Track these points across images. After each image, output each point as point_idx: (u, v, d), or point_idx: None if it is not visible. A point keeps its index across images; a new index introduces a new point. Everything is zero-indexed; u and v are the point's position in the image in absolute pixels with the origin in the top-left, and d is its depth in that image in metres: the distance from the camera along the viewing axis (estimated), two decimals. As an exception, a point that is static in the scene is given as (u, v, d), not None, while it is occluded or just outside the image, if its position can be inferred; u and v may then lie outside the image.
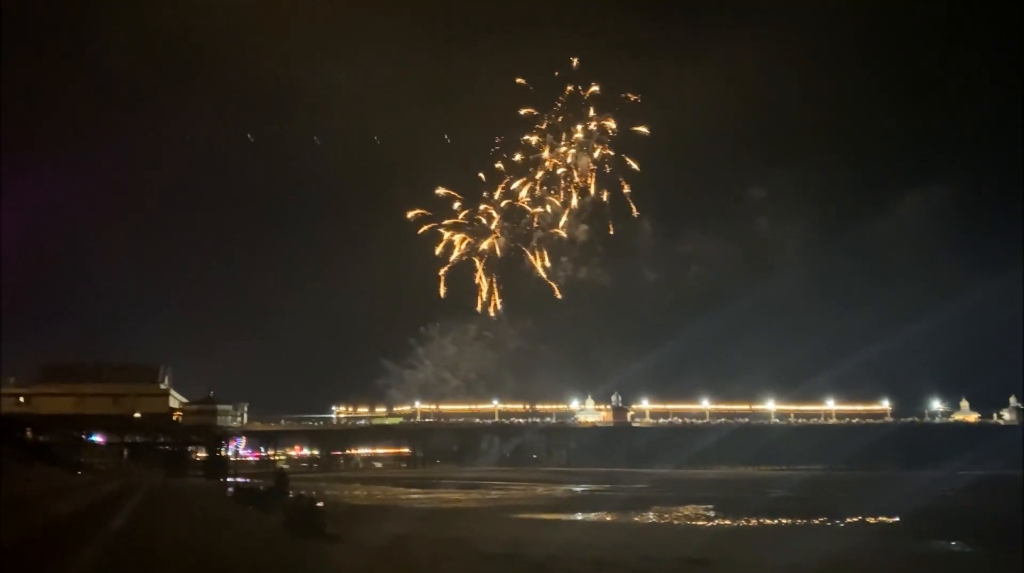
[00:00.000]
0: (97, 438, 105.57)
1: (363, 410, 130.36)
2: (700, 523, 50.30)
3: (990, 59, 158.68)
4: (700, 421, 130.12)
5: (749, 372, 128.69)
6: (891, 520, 51.70)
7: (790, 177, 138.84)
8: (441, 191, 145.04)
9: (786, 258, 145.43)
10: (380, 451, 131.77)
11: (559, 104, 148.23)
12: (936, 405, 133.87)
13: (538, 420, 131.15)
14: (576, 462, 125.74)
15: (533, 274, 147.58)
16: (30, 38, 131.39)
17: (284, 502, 37.93)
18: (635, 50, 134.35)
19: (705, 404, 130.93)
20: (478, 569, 27.73)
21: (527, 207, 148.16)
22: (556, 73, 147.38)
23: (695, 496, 70.65)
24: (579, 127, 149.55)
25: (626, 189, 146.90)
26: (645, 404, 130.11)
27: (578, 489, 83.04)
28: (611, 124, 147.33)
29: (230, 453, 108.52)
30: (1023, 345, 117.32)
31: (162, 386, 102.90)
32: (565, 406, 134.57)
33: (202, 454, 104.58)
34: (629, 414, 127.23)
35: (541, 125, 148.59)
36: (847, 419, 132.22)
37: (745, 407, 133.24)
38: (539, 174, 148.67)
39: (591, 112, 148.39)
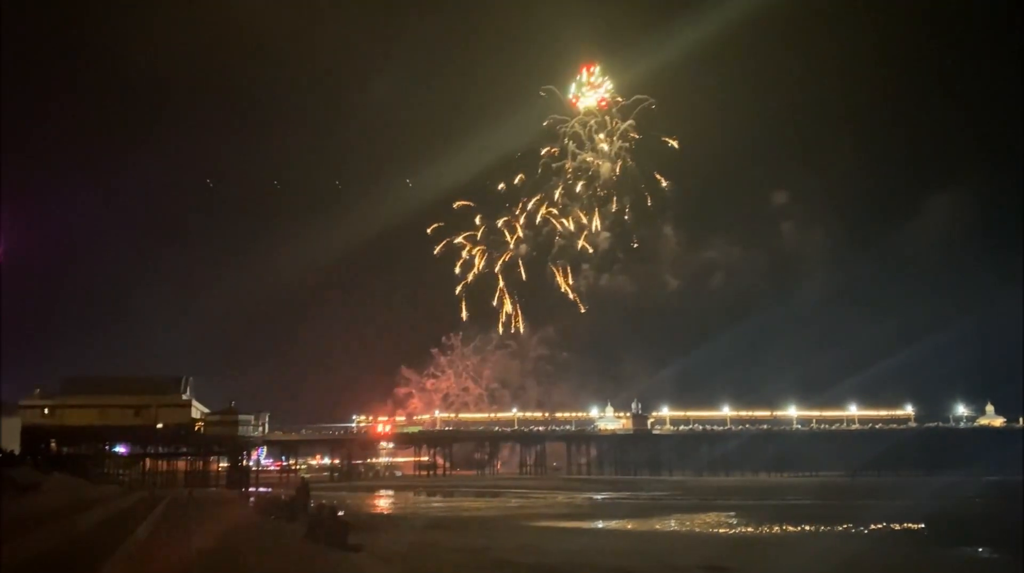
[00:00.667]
0: (120, 449, 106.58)
1: (383, 419, 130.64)
2: (722, 530, 49.96)
3: (1021, 64, 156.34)
4: (721, 427, 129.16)
5: (773, 381, 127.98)
6: (916, 526, 51.16)
7: (815, 184, 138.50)
8: (459, 204, 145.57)
9: (810, 265, 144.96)
10: (401, 460, 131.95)
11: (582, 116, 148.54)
12: (961, 410, 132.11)
13: (557, 428, 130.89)
14: (596, 470, 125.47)
15: (556, 287, 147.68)
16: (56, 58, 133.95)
17: (306, 512, 38.13)
18: (658, 56, 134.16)
19: (726, 411, 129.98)
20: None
21: (551, 218, 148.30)
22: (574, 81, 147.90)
23: (716, 503, 70.35)
24: (602, 136, 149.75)
25: (648, 202, 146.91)
26: (665, 411, 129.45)
27: (599, 496, 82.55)
28: (634, 135, 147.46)
29: (252, 463, 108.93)
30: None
31: (184, 397, 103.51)
32: (585, 414, 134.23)
33: (224, 464, 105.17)
34: (649, 421, 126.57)
35: (563, 136, 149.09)
36: (870, 424, 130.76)
37: (766, 413, 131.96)
38: (560, 186, 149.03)
39: (614, 123, 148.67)
